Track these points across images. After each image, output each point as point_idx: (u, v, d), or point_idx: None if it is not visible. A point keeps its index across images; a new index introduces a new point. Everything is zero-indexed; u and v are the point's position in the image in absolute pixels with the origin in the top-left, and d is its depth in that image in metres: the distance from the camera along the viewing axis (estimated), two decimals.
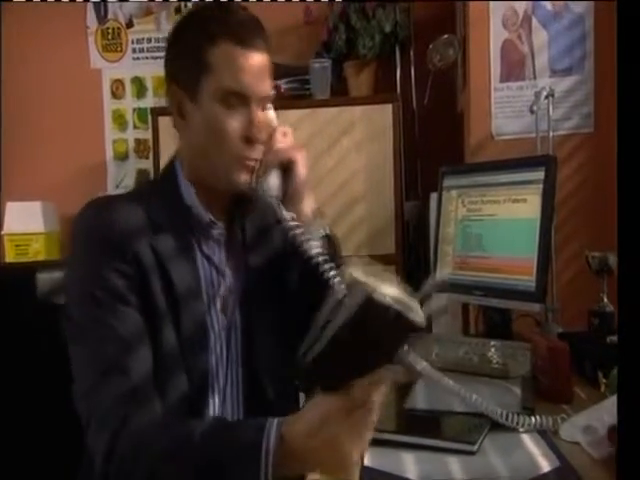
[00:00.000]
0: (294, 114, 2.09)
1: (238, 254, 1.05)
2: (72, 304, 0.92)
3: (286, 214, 0.96)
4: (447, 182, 1.74)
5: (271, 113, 1.02)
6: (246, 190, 1.00)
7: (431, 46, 2.05)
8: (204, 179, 1.00)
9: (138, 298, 0.91)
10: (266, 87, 0.98)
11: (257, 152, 0.98)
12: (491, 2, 1.90)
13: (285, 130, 1.03)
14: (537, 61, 1.90)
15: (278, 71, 2.35)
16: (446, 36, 2.06)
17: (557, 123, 1.80)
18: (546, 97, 1.61)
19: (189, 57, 0.97)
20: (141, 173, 2.61)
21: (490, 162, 1.67)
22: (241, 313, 1.03)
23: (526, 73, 1.91)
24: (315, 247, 0.91)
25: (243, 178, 0.98)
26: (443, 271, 1.77)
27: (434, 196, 2.11)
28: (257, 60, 0.96)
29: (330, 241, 1.03)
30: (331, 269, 0.87)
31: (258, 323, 1.03)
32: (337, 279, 0.85)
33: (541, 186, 1.45)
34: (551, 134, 1.66)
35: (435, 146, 2.36)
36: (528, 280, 1.47)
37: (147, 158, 2.60)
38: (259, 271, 1.05)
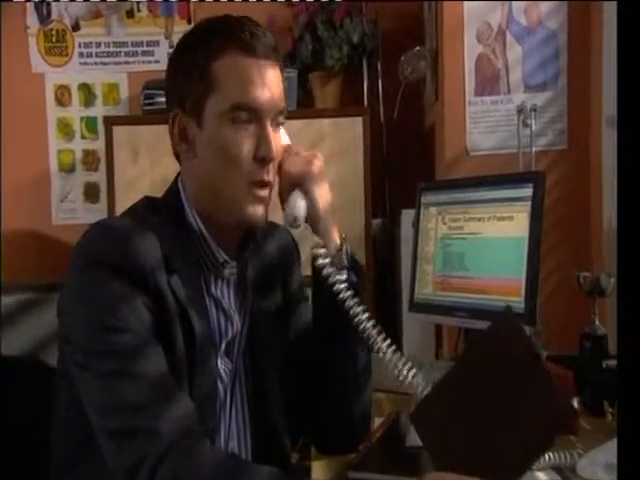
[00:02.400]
0: None
1: (244, 293, 0.97)
2: (81, 334, 0.82)
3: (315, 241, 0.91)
4: (426, 198, 1.68)
5: (282, 132, 0.94)
6: (260, 225, 0.91)
7: (403, 58, 2.01)
8: (213, 214, 0.91)
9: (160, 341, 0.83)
10: (279, 101, 0.89)
11: (271, 174, 0.89)
12: (465, 15, 1.87)
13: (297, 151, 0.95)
14: (511, 76, 1.88)
15: None
16: (418, 48, 2.02)
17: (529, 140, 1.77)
18: (530, 111, 1.59)
19: (193, 75, 0.87)
20: (89, 187, 2.44)
21: (473, 178, 1.63)
22: (246, 355, 0.96)
23: (500, 88, 1.88)
24: (340, 283, 0.88)
25: (257, 211, 0.89)
26: (422, 291, 1.71)
27: (407, 213, 2.05)
28: (269, 71, 0.87)
29: (356, 272, 0.95)
30: (362, 312, 0.86)
31: (265, 364, 0.96)
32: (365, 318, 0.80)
33: (529, 203, 1.42)
34: (533, 150, 1.63)
35: (402, 161, 2.31)
36: (517, 301, 1.42)
37: (96, 171, 2.44)
38: (265, 311, 0.97)
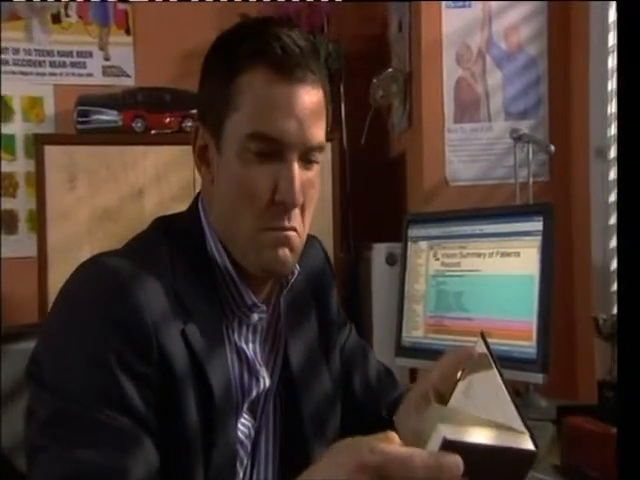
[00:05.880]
0: None
1: (274, 340, 0.85)
2: (47, 406, 0.67)
3: None
4: (414, 232, 1.59)
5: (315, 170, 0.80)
6: (285, 273, 0.79)
7: (375, 80, 1.94)
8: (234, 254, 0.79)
9: (161, 418, 0.69)
10: (312, 134, 0.75)
11: (295, 220, 0.76)
12: (444, 37, 1.83)
13: None
14: (491, 102, 1.85)
15: (192, 100, 2.08)
16: (390, 70, 1.96)
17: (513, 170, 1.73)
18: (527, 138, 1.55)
19: (216, 89, 0.77)
20: (6, 215, 2.16)
21: (469, 210, 1.56)
22: (277, 407, 0.84)
23: (481, 114, 1.84)
24: None
25: (278, 256, 0.76)
26: (411, 334, 1.60)
27: (379, 247, 1.96)
28: (303, 96, 0.75)
29: None
30: None
31: (303, 415, 0.84)
32: None
33: (539, 238, 1.36)
34: (530, 181, 1.58)
35: (368, 191, 2.22)
36: (527, 346, 1.35)
37: (14, 197, 2.17)
38: (299, 351, 0.85)
